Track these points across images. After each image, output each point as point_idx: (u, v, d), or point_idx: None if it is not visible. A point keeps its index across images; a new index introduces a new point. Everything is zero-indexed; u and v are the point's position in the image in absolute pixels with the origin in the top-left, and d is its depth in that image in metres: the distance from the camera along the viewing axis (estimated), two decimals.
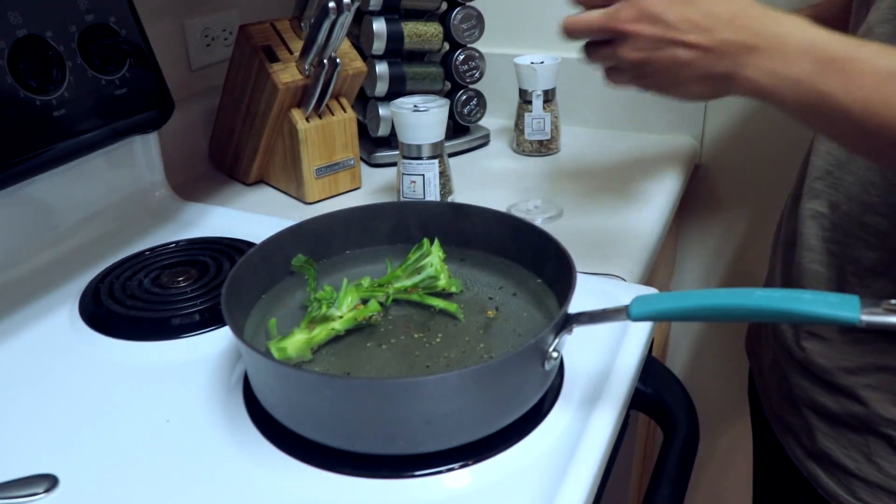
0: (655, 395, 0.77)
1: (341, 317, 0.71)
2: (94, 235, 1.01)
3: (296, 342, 0.69)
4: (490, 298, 0.76)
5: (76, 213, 1.00)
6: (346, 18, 0.98)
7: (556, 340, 0.63)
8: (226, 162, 1.21)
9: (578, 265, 0.90)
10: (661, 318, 0.60)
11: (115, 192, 1.06)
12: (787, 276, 0.85)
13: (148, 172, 1.09)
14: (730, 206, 1.38)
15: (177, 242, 1.00)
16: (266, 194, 1.17)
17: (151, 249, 0.98)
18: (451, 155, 1.26)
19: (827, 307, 0.55)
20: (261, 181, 1.20)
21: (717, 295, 0.58)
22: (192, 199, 1.13)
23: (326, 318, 0.71)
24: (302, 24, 1.08)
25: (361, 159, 1.24)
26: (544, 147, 1.26)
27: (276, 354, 0.67)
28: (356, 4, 0.96)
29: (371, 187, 1.17)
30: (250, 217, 1.06)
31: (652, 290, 0.85)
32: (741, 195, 1.36)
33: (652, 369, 0.79)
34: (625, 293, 0.84)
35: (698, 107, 1.32)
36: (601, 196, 1.10)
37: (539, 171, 1.21)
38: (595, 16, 0.69)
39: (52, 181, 0.95)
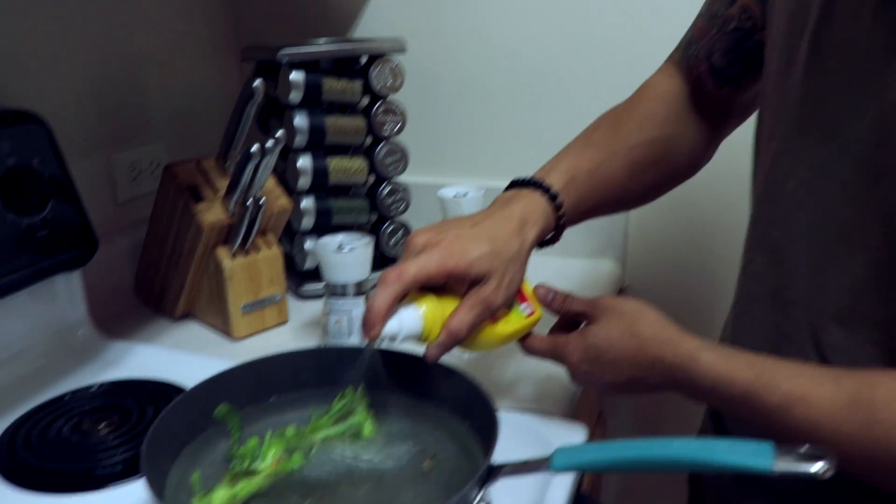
0: None
1: (267, 469, 0.70)
2: (14, 377, 0.99)
3: (219, 499, 0.67)
4: (420, 449, 0.76)
5: None
6: (270, 160, 1.00)
7: (481, 493, 0.64)
8: (152, 296, 1.20)
9: (507, 400, 0.92)
10: (582, 470, 0.61)
11: (37, 332, 1.04)
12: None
13: (71, 310, 1.08)
14: None
15: (99, 385, 0.98)
16: (193, 329, 1.16)
17: (72, 393, 0.96)
18: None
19: (739, 457, 0.57)
20: (188, 315, 1.19)
21: (635, 447, 0.60)
22: (116, 335, 1.11)
23: (250, 473, 0.70)
24: (227, 164, 1.09)
25: (290, 291, 1.25)
26: None
27: None
28: (279, 146, 0.98)
29: (299, 320, 1.17)
30: (176, 355, 1.05)
31: (579, 428, 0.86)
32: (673, 310, 1.40)
33: None
34: (552, 431, 0.85)
35: (620, 229, 1.37)
36: None
37: None
38: (546, 345, 0.82)
39: None
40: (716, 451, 0.58)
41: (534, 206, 0.82)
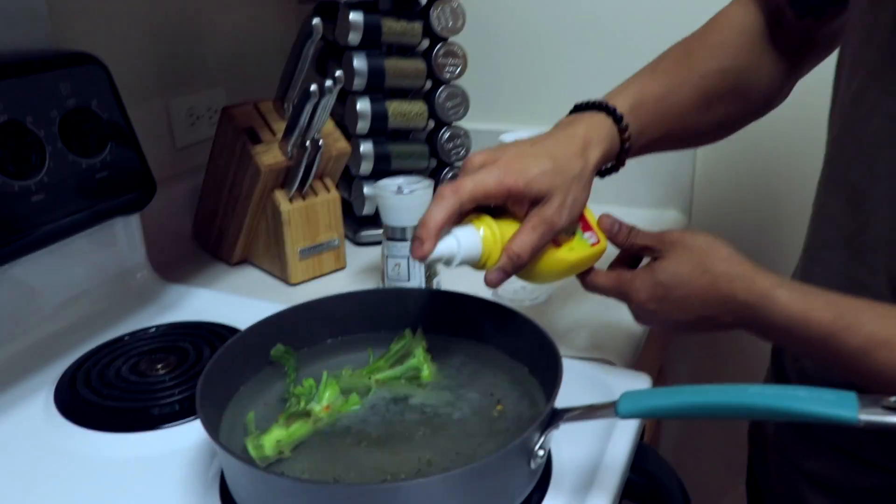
0: (648, 485, 0.75)
1: (322, 411, 0.69)
2: (75, 319, 0.99)
3: (273, 439, 0.66)
4: (480, 393, 0.74)
5: (56, 297, 0.98)
6: (329, 101, 0.98)
7: (542, 438, 0.61)
8: (209, 241, 1.20)
9: (567, 349, 0.88)
10: (650, 416, 0.58)
11: (97, 275, 1.04)
12: None
13: (130, 254, 1.08)
14: None
15: (157, 327, 0.98)
16: (250, 275, 1.15)
17: (131, 334, 0.96)
18: None
19: (822, 405, 0.54)
20: (245, 261, 1.18)
21: (707, 392, 0.56)
22: (174, 280, 1.11)
23: (306, 414, 0.69)
24: (285, 106, 1.07)
25: (347, 238, 1.23)
26: None
27: (252, 452, 0.65)
28: (338, 87, 0.96)
29: (356, 267, 1.15)
30: (232, 299, 1.05)
31: (643, 378, 0.83)
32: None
33: (644, 457, 0.77)
34: (615, 380, 0.82)
35: (687, 180, 1.32)
36: None
37: None
38: (611, 281, 0.77)
39: (32, 264, 0.94)
40: (796, 399, 0.54)
41: (598, 127, 0.77)
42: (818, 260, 0.76)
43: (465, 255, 0.70)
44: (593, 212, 0.80)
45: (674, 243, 0.73)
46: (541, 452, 0.61)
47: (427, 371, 0.74)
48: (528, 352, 0.75)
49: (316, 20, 0.96)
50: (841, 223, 0.72)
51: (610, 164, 0.82)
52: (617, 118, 0.78)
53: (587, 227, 0.78)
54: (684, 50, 0.85)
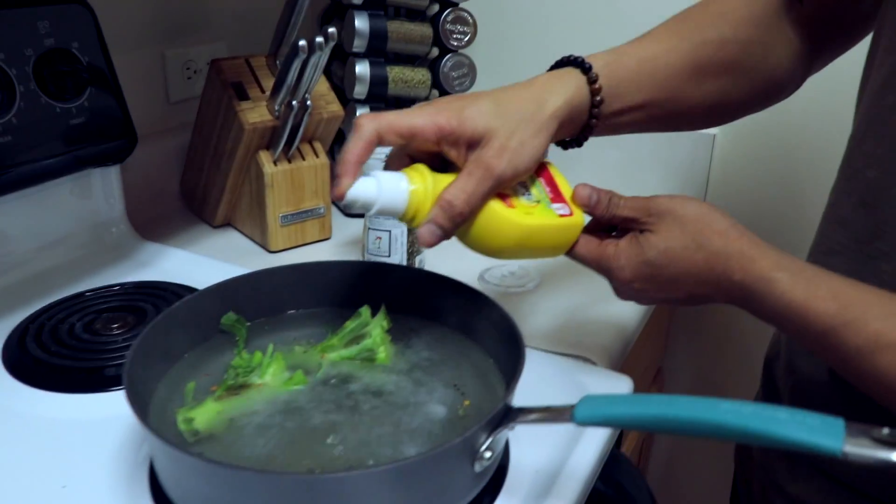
0: (617, 498, 0.69)
1: (261, 387, 0.64)
2: (41, 269, 0.95)
3: (205, 413, 0.61)
4: (453, 385, 0.67)
5: (25, 245, 0.94)
6: (320, 59, 0.92)
7: (490, 439, 0.55)
8: (195, 201, 1.15)
9: (548, 342, 0.82)
10: (608, 425, 0.52)
11: (69, 226, 0.99)
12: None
13: (106, 207, 1.03)
14: None
15: (122, 285, 0.93)
16: (231, 239, 1.10)
17: (93, 290, 0.91)
18: None
19: (803, 431, 0.47)
20: (229, 224, 1.13)
21: (674, 404, 0.50)
22: (153, 238, 1.06)
23: (245, 387, 0.64)
24: (277, 62, 1.02)
25: (336, 208, 1.17)
26: None
27: (181, 425, 0.60)
28: (330, 45, 0.90)
29: (342, 238, 1.09)
30: (207, 262, 0.99)
31: (624, 380, 0.77)
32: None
33: (616, 466, 0.71)
34: (593, 380, 0.76)
35: (701, 168, 1.25)
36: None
37: None
38: (591, 252, 0.67)
39: (2, 209, 0.90)
40: (774, 422, 0.47)
41: (562, 77, 0.68)
42: (824, 266, 0.68)
43: (387, 203, 0.61)
44: (568, 182, 0.70)
45: (662, 214, 0.64)
46: (487, 454, 0.55)
47: (383, 353, 0.68)
48: (496, 342, 0.69)
49: None
50: (852, 227, 0.65)
51: (581, 129, 0.71)
52: (585, 69, 0.69)
53: (558, 198, 0.67)
54: (682, 16, 0.76)
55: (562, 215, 0.66)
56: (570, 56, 0.70)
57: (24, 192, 0.91)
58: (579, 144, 0.73)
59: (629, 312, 0.91)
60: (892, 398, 0.53)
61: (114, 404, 0.73)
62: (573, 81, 0.68)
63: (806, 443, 0.46)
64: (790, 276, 0.57)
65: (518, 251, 0.66)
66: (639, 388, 1.16)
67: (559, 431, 0.67)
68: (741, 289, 0.59)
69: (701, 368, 1.38)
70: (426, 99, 1.17)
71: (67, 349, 0.80)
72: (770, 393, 0.77)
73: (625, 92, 0.70)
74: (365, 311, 0.70)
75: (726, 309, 1.29)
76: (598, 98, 0.69)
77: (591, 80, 0.68)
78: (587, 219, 0.68)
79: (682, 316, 1.35)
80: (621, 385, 0.76)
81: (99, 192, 1.02)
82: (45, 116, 0.90)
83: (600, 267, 0.67)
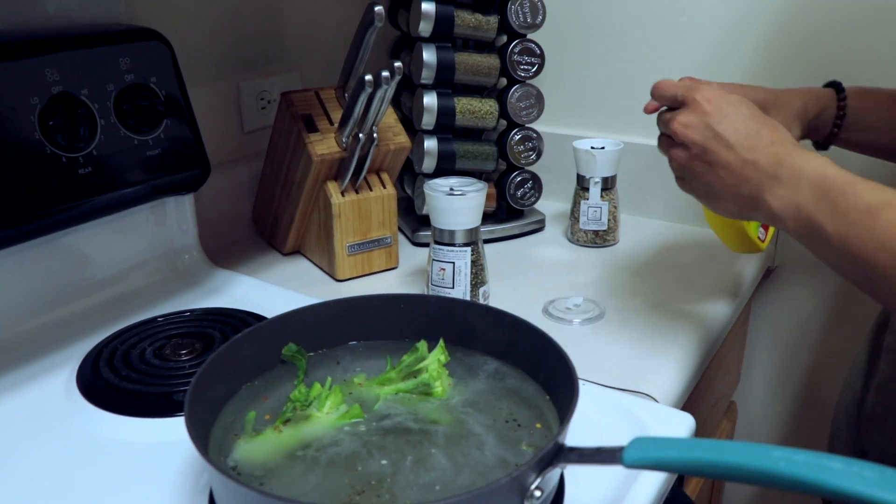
0: None
1: (318, 419, 0.64)
2: (115, 295, 0.99)
3: (263, 444, 0.62)
4: (510, 419, 0.67)
5: (100, 272, 0.98)
6: (386, 93, 0.93)
7: (540, 478, 0.55)
8: (266, 228, 1.17)
9: (609, 376, 0.81)
10: (658, 468, 0.51)
11: (144, 253, 1.03)
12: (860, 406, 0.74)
13: (180, 235, 1.06)
14: (806, 314, 1.26)
15: (192, 311, 0.95)
16: (300, 267, 1.12)
17: (164, 316, 0.94)
18: (502, 239, 1.20)
19: (861, 484, 0.45)
20: (298, 251, 1.15)
21: (724, 449, 0.49)
22: (224, 265, 1.09)
23: (303, 419, 0.64)
24: (346, 94, 1.03)
25: (405, 237, 1.18)
26: (600, 238, 1.18)
27: (239, 455, 0.61)
28: (396, 78, 0.91)
29: (409, 268, 1.10)
30: (275, 290, 1.01)
31: (685, 419, 0.75)
32: (820, 303, 1.24)
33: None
34: (652, 418, 0.75)
35: None
36: (654, 297, 1.01)
37: (592, 264, 1.13)
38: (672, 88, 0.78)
39: (79, 237, 0.94)
40: (827, 471, 0.46)
41: (805, 90, 0.86)
42: None
43: None
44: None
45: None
46: (538, 493, 0.54)
47: (440, 387, 0.68)
48: (552, 379, 0.68)
49: (378, 7, 0.92)
50: None
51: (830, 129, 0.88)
52: (834, 84, 0.87)
53: (767, 227, 0.92)
54: None
55: (758, 236, 0.90)
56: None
57: (102, 219, 0.94)
58: (825, 147, 0.92)
59: (693, 347, 0.89)
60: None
61: (179, 430, 0.74)
62: (817, 91, 0.88)
63: (862, 495, 0.45)
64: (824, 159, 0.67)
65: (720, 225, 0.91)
66: (708, 423, 1.14)
67: (615, 469, 0.66)
68: (787, 142, 0.70)
69: (776, 405, 1.35)
70: (494, 130, 1.18)
71: (137, 374, 0.82)
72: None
73: (870, 108, 0.88)
74: (422, 345, 0.70)
75: (798, 346, 1.26)
76: (843, 101, 0.87)
77: (839, 90, 0.88)
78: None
79: (756, 348, 1.32)
80: (683, 423, 0.75)
81: (173, 219, 1.05)
82: (124, 148, 0.93)
83: (686, 95, 0.76)
